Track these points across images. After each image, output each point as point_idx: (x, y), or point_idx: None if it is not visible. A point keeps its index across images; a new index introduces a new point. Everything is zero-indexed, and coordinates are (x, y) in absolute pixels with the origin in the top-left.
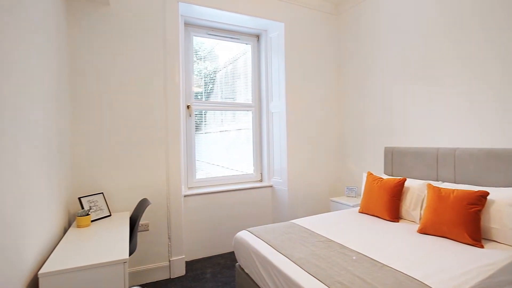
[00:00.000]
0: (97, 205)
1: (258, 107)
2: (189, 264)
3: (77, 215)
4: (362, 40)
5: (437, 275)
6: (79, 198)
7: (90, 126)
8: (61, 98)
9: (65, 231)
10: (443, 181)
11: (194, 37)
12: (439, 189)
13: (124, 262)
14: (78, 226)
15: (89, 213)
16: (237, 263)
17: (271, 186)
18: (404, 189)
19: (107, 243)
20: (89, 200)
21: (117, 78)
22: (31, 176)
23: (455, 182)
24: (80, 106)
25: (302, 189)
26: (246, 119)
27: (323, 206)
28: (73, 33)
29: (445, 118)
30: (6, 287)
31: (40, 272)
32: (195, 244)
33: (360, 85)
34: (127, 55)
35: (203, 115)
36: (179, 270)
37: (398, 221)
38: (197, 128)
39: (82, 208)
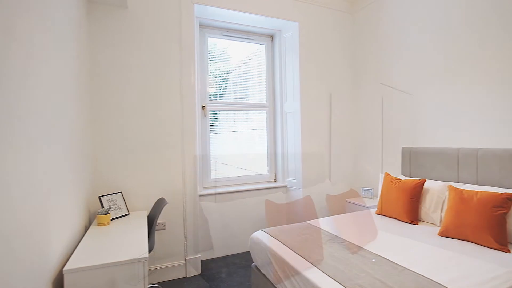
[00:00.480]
0: (116, 204)
1: (272, 107)
2: (205, 263)
3: (98, 213)
4: (379, 39)
5: (463, 280)
6: (99, 197)
7: (108, 127)
8: (81, 99)
9: (86, 229)
10: (465, 183)
11: (208, 38)
12: (461, 190)
13: (144, 260)
14: (99, 224)
15: (109, 211)
16: (253, 263)
17: (285, 187)
18: (423, 190)
19: (127, 241)
20: (108, 199)
21: (134, 79)
22: (55, 176)
23: (477, 184)
24: (98, 107)
25: (317, 189)
26: (259, 119)
27: (339, 207)
28: (93, 36)
29: (466, 118)
30: (35, 281)
31: (65, 268)
32: (210, 244)
33: (376, 85)
34: (144, 57)
35: (216, 116)
36: (195, 269)
37: (417, 223)
38: (211, 128)
39: (102, 206)
